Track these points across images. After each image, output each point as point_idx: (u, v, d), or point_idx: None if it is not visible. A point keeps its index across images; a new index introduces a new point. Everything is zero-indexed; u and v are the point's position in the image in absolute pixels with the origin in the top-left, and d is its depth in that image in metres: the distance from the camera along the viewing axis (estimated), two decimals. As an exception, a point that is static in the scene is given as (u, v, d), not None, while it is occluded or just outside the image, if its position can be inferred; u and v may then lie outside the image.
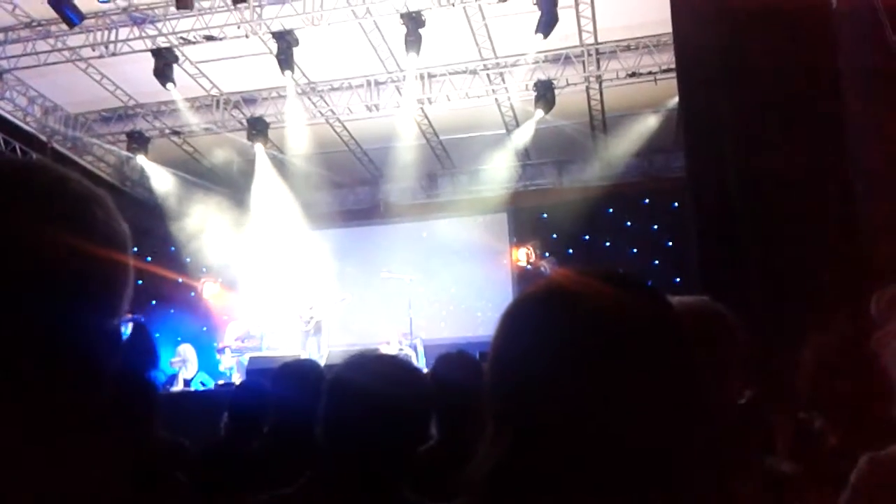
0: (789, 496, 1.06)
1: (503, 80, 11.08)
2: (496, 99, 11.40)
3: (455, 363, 2.77)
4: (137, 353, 0.86)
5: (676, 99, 8.97)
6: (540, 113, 10.89)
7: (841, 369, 2.16)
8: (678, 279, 10.40)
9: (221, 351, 10.88)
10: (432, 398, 1.82)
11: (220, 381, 9.92)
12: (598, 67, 10.71)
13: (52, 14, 9.05)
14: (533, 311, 1.04)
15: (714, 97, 5.46)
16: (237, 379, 9.86)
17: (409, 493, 1.66)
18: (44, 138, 11.62)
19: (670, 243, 12.37)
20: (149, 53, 9.88)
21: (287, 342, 11.26)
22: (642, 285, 1.03)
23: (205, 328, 12.38)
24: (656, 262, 12.34)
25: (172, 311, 12.45)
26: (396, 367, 1.77)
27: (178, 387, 9.86)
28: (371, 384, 1.65)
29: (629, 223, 13.05)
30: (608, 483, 0.93)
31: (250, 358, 9.63)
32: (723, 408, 1.43)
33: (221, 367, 10.79)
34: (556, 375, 0.95)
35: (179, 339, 11.39)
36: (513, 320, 1.04)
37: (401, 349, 10.20)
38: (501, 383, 1.02)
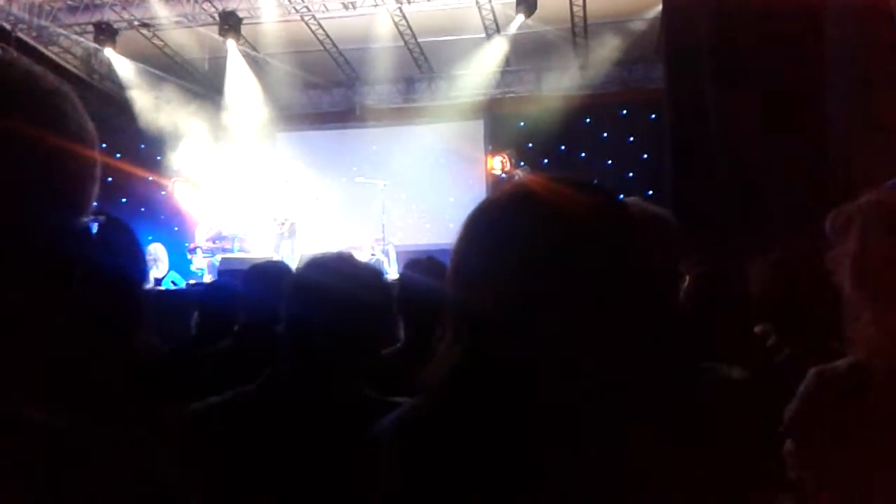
0: (737, 402, 1.10)
1: (485, -20, 10.78)
2: (477, 1, 11.10)
3: (423, 268, 2.79)
4: (123, 253, 0.84)
5: (660, 7, 8.81)
6: (521, 17, 10.66)
7: (796, 286, 2.22)
8: (650, 192, 10.46)
9: (193, 251, 10.84)
10: (394, 299, 1.84)
11: (192, 281, 9.92)
12: (583, -29, 10.46)
13: None
14: (495, 215, 1.04)
15: (696, 13, 5.38)
16: (209, 279, 9.87)
17: (370, 391, 1.69)
18: (7, 26, 11.15)
19: (645, 156, 12.37)
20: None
21: (261, 245, 11.24)
22: (602, 190, 1.04)
23: (176, 228, 12.28)
24: (630, 174, 12.38)
25: (143, 209, 12.32)
26: (357, 267, 1.79)
27: (149, 285, 9.84)
28: (331, 282, 1.67)
29: (605, 134, 13.00)
30: (562, 385, 0.95)
31: (222, 259, 9.62)
32: (671, 310, 1.47)
33: (193, 268, 10.77)
34: (514, 278, 0.96)
35: (150, 238, 11.31)
36: (475, 224, 1.05)
37: (373, 254, 10.23)
38: (461, 285, 1.03)
